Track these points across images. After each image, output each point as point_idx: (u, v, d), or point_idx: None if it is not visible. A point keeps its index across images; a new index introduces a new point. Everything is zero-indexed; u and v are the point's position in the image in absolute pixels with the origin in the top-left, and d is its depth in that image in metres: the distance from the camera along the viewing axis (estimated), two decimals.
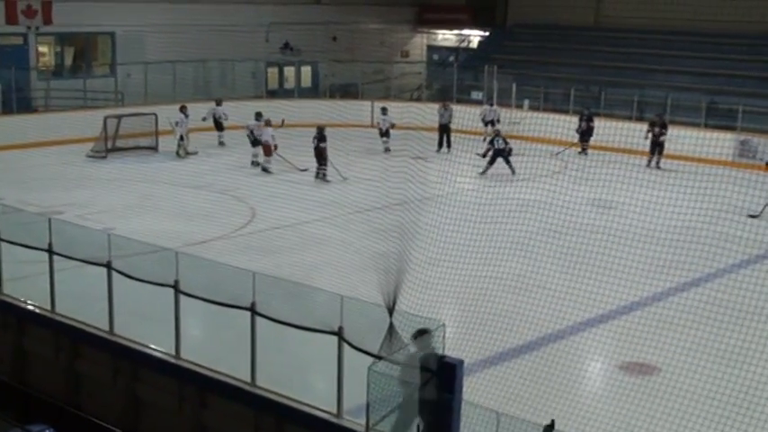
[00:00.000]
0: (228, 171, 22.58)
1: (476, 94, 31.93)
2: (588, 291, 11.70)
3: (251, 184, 20.46)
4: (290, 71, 34.41)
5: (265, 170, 22.45)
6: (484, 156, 22.83)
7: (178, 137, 24.52)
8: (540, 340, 11.36)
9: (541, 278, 13.43)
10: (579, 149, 25.60)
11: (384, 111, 25.99)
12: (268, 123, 23.11)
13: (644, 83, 28.97)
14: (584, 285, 11.82)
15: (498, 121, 27.89)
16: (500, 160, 22.32)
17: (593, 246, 13.24)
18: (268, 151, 22.61)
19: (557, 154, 24.96)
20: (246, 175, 22.00)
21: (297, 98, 31.34)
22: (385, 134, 25.71)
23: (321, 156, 21.71)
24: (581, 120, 25.99)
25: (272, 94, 32.53)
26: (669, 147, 23.19)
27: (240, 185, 20.41)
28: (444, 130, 26.44)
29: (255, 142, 23.39)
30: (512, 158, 22.17)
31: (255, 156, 23.35)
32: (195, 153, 24.62)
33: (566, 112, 27.77)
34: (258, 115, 23.83)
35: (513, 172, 21.85)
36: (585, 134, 25.81)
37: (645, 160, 22.38)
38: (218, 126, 26.53)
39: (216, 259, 11.63)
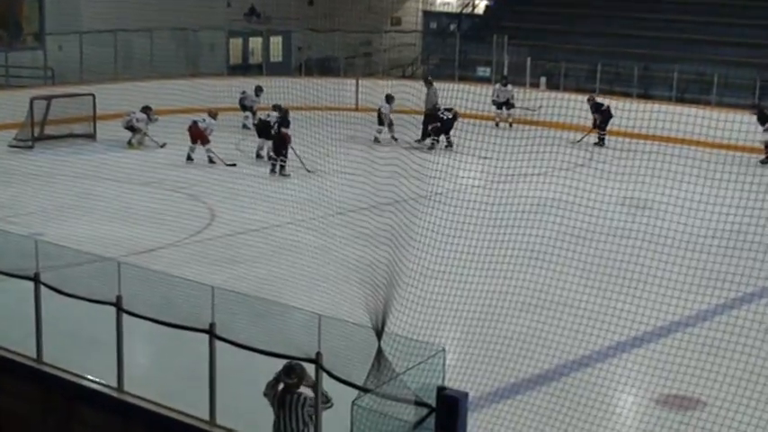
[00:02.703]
0: (182, 165, 22.58)
1: (482, 71, 32.01)
2: (618, 309, 11.74)
3: (209, 181, 20.48)
4: (256, 42, 34.43)
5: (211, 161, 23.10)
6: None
7: (140, 128, 24.71)
8: (560, 369, 11.38)
9: (562, 293, 13.47)
10: (596, 140, 25.92)
11: (389, 99, 26.09)
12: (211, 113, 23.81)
13: (685, 56, 29.06)
14: (614, 302, 11.86)
15: (512, 104, 28.02)
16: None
17: (625, 254, 13.27)
18: (205, 139, 23.18)
19: (577, 141, 25.11)
20: (203, 171, 22.01)
21: (265, 75, 31.33)
22: (382, 123, 25.99)
23: (283, 144, 21.88)
24: (591, 110, 26.20)
25: (235, 71, 32.54)
26: (715, 134, 23.30)
27: (196, 182, 20.42)
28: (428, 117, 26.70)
29: (264, 130, 23.65)
30: (515, 144, 22.58)
31: (261, 148, 23.68)
32: (164, 145, 24.54)
33: (591, 91, 27.87)
34: (258, 90, 24.18)
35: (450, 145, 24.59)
36: (602, 123, 26.10)
37: (695, 152, 22.54)
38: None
39: (167, 271, 11.61)
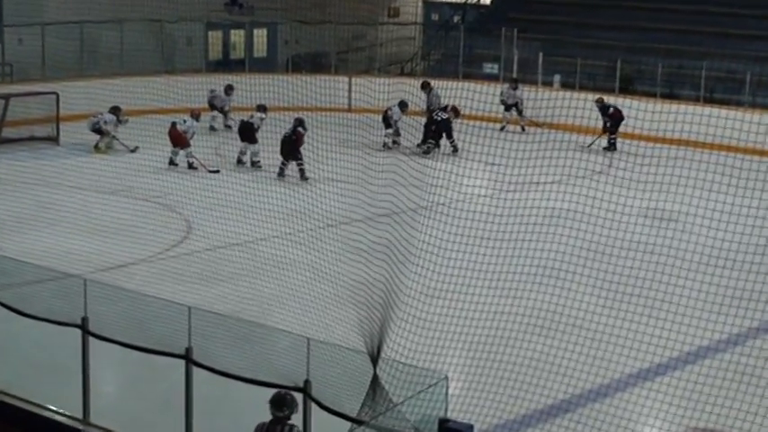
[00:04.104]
0: (155, 172, 22.56)
1: (489, 67, 32.08)
2: (641, 332, 11.75)
3: (185, 188, 20.44)
4: (238, 36, 34.49)
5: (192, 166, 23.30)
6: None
7: (108, 130, 24.76)
8: (576, 399, 11.38)
9: (577, 315, 13.47)
10: (605, 144, 26.11)
11: (403, 106, 26.15)
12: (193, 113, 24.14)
13: (714, 52, 29.11)
14: (636, 325, 11.87)
15: (521, 110, 28.09)
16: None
17: (648, 271, 13.29)
18: (184, 143, 23.44)
19: (588, 146, 25.20)
20: (179, 178, 21.99)
21: (248, 72, 31.37)
22: (390, 126, 26.14)
23: (296, 146, 22.49)
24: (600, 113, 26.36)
25: (215, 67, 32.58)
26: (747, 138, 23.35)
27: (171, 190, 20.38)
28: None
29: (246, 132, 23.97)
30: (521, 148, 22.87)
31: (243, 153, 23.89)
32: (137, 148, 24.58)
33: (610, 91, 27.93)
34: (262, 108, 24.48)
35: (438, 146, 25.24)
36: (612, 126, 26.24)
37: (725, 158, 22.59)
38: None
39: (139, 289, 11.61)
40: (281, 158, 22.73)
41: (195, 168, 23.08)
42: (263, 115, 24.13)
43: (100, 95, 24.94)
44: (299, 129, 22.91)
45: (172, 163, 23.36)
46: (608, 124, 26.35)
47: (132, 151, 24.55)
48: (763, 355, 12.05)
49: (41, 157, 23.78)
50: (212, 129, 27.73)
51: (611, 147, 26.24)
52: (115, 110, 25.05)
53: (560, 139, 23.27)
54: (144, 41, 31.91)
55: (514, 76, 29.41)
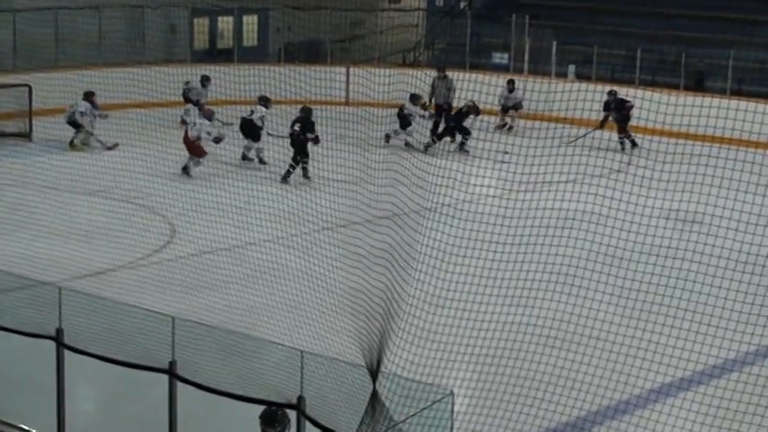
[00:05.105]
0: (135, 171, 22.56)
1: (499, 57, 32.18)
2: (663, 344, 11.75)
3: (168, 189, 20.47)
4: (226, 23, 34.52)
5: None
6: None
7: (84, 124, 24.76)
8: (593, 416, 11.40)
9: (594, 325, 13.45)
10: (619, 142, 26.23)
11: (415, 99, 26.25)
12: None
13: (743, 40, 29.13)
14: (657, 336, 11.87)
15: (519, 110, 28.18)
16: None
17: (670, 278, 13.30)
18: (199, 152, 23.30)
19: (573, 141, 25.24)
20: (161, 176, 22.01)
21: (237, 63, 31.42)
22: (408, 124, 26.37)
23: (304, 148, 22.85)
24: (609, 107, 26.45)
25: (201, 57, 32.61)
26: None
27: (153, 190, 20.40)
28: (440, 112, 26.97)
29: (248, 129, 24.20)
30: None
31: (248, 149, 23.97)
32: (116, 146, 24.59)
33: (630, 83, 27.96)
34: (264, 100, 24.60)
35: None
36: (623, 122, 26.42)
37: (754, 155, 22.60)
38: None
39: (119, 298, 11.63)
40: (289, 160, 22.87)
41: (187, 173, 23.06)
42: (266, 109, 24.18)
43: (76, 88, 24.97)
44: (309, 134, 23.11)
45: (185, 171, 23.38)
46: (617, 120, 26.45)
47: (110, 149, 24.55)
48: None
49: (12, 154, 23.81)
50: (183, 122, 27.85)
51: (631, 144, 26.37)
52: (89, 96, 25.02)
53: (575, 135, 23.41)
54: (124, 29, 31.97)
55: (514, 81, 29.44)
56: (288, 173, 22.76)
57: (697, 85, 28.98)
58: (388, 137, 26.09)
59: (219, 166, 23.37)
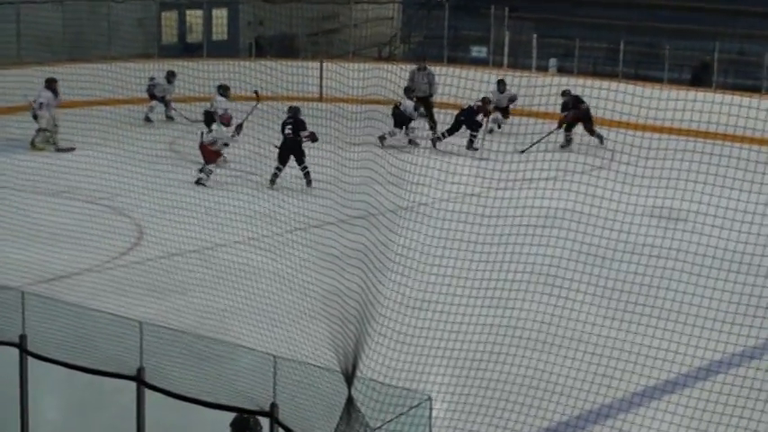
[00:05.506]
0: (100, 170, 22.49)
1: (477, 51, 32.22)
2: (647, 345, 11.80)
3: (135, 189, 20.41)
4: (195, 17, 34.46)
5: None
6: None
7: (43, 123, 24.61)
8: (575, 421, 11.44)
9: (576, 327, 13.51)
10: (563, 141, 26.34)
11: (410, 92, 26.28)
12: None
13: (727, 32, 29.22)
14: (641, 337, 11.92)
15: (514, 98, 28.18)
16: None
17: (654, 277, 13.35)
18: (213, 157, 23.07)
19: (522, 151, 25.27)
20: (127, 176, 21.95)
21: (206, 58, 31.37)
22: (407, 121, 26.41)
23: (300, 150, 22.59)
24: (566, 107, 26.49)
25: (169, 52, 32.53)
26: (765, 128, 23.52)
27: (119, 191, 20.35)
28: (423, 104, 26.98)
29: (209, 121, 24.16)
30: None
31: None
32: (71, 150, 24.49)
33: (613, 76, 28.02)
34: (223, 89, 24.48)
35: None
36: (584, 122, 26.44)
37: (740, 150, 22.67)
38: None
39: (84, 303, 11.59)
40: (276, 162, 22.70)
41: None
42: (225, 99, 24.14)
43: (38, 84, 24.89)
44: (303, 132, 22.84)
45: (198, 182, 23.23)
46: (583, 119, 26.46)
47: (63, 151, 24.42)
48: None
49: None
50: (147, 119, 27.93)
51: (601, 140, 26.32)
52: (51, 83, 24.95)
53: (555, 131, 23.47)
54: (89, 23, 31.86)
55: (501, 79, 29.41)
56: (275, 175, 22.50)
57: (695, 78, 28.99)
58: (382, 138, 26.06)
59: (189, 166, 23.30)
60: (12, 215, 18.46)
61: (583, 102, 26.20)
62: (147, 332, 9.39)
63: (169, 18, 34.16)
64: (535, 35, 30.10)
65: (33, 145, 24.69)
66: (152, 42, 32.49)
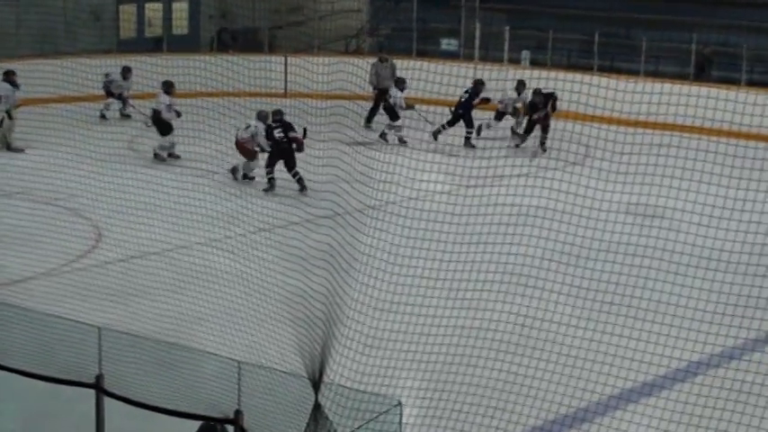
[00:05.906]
0: (58, 169, 22.41)
1: (447, 43, 32.26)
2: (623, 347, 11.84)
3: (93, 190, 20.34)
4: (154, 10, 34.38)
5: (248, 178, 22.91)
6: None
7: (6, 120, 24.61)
8: (550, 425, 11.47)
9: (550, 328, 13.56)
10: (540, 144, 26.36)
11: (401, 84, 26.26)
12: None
13: (705, 22, 29.31)
14: (618, 338, 11.96)
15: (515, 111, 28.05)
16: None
17: (630, 276, 13.40)
18: (251, 155, 22.99)
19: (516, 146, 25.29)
20: (85, 176, 21.88)
21: (166, 52, 31.28)
22: (397, 116, 26.51)
23: (292, 153, 22.19)
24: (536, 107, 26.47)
25: (127, 47, 32.44)
26: (742, 121, 23.65)
27: (77, 191, 20.29)
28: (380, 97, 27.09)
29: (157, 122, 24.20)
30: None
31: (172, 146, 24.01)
32: (21, 151, 24.42)
33: (588, 69, 28.12)
34: (167, 86, 24.53)
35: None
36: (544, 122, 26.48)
37: (717, 143, 22.79)
38: None
39: (40, 308, 11.55)
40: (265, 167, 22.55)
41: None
42: (169, 96, 24.13)
43: None
44: (292, 133, 22.52)
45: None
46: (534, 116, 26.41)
47: (17, 151, 24.34)
48: (763, 370, 12.20)
49: None
50: (103, 117, 27.97)
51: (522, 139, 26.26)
52: (8, 75, 24.90)
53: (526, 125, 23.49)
54: (43, 18, 31.67)
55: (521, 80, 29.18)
56: (270, 180, 22.19)
57: (700, 71, 29.00)
58: (383, 134, 26.12)
59: (148, 165, 23.27)
60: None
61: (555, 103, 26.09)
62: (106, 338, 9.38)
63: (127, 12, 34.04)
64: (507, 27, 30.14)
65: None
66: (110, 37, 32.37)
